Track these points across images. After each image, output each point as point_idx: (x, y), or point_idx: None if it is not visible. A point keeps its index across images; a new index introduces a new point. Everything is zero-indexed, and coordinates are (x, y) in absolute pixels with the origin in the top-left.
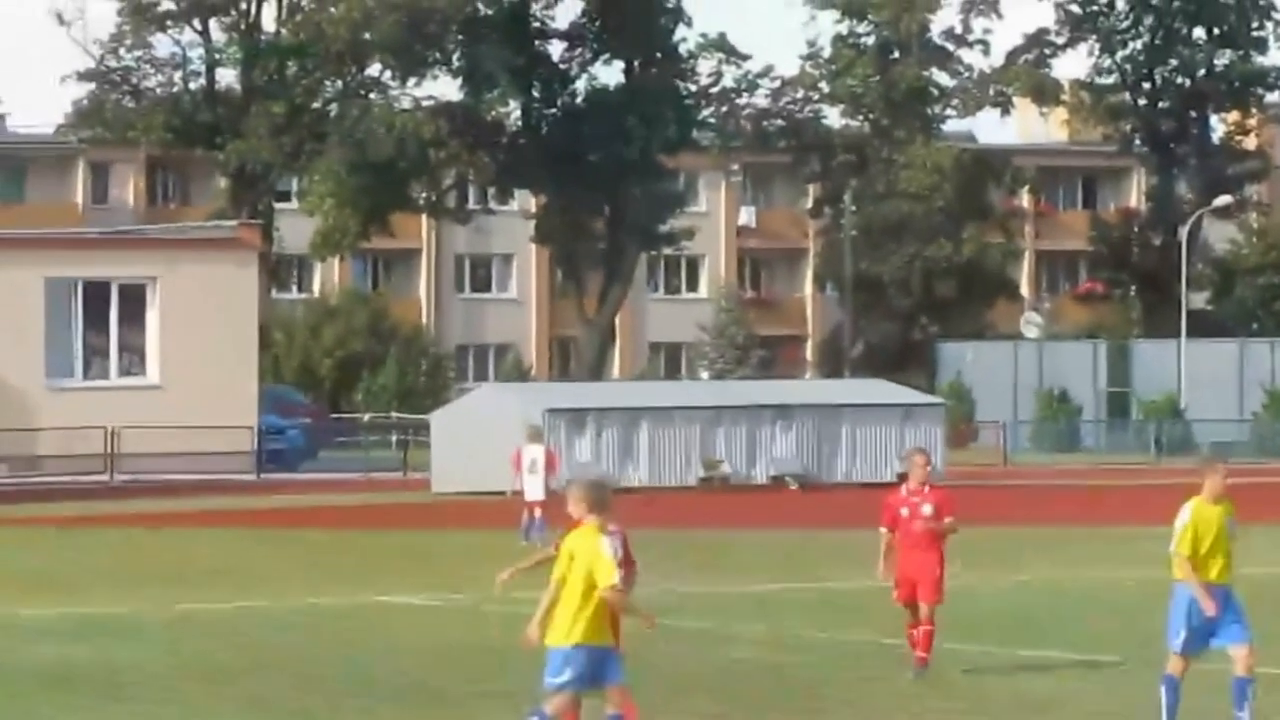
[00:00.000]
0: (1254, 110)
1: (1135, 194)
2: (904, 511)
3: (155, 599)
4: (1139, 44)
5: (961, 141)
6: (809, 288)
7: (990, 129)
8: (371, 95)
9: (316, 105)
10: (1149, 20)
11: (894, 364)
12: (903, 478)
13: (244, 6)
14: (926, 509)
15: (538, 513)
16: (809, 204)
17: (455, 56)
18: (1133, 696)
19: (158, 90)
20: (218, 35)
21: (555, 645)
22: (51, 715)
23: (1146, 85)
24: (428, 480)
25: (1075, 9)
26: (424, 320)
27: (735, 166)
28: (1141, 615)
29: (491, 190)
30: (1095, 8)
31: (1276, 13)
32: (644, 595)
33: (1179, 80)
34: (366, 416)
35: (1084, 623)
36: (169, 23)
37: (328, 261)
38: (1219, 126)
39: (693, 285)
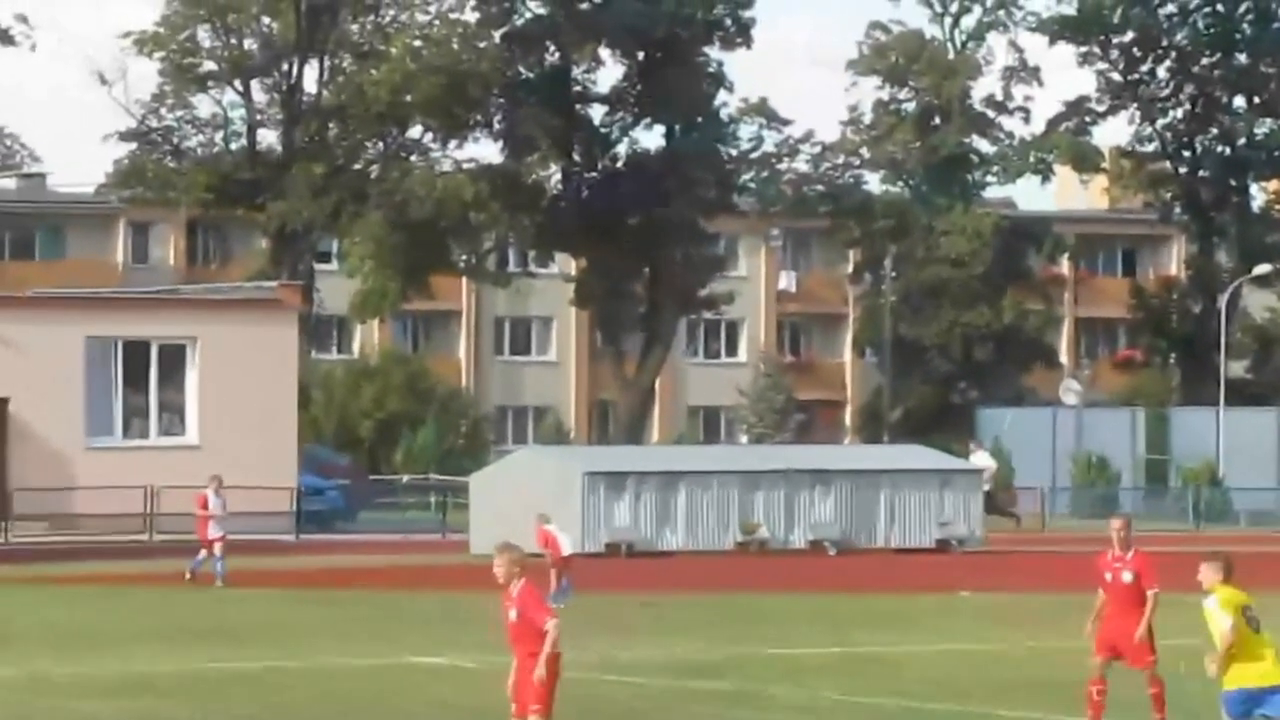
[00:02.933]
0: None
1: (1175, 261)
2: (1108, 576)
3: (192, 658)
4: (1179, 112)
5: (1001, 208)
6: (848, 352)
7: (1030, 196)
8: (412, 157)
9: (357, 166)
10: (1189, 89)
11: (933, 429)
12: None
13: (285, 68)
14: (1126, 576)
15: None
16: (849, 269)
17: (496, 119)
18: None
19: (199, 150)
20: (259, 96)
21: None
22: None
23: (1187, 153)
24: (466, 542)
25: (1116, 77)
26: (463, 382)
27: (775, 231)
28: (1173, 681)
29: (531, 253)
30: (1136, 76)
31: None
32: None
33: (1219, 148)
34: (405, 478)
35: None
36: (210, 83)
37: (368, 323)
38: (1259, 195)
39: (732, 349)
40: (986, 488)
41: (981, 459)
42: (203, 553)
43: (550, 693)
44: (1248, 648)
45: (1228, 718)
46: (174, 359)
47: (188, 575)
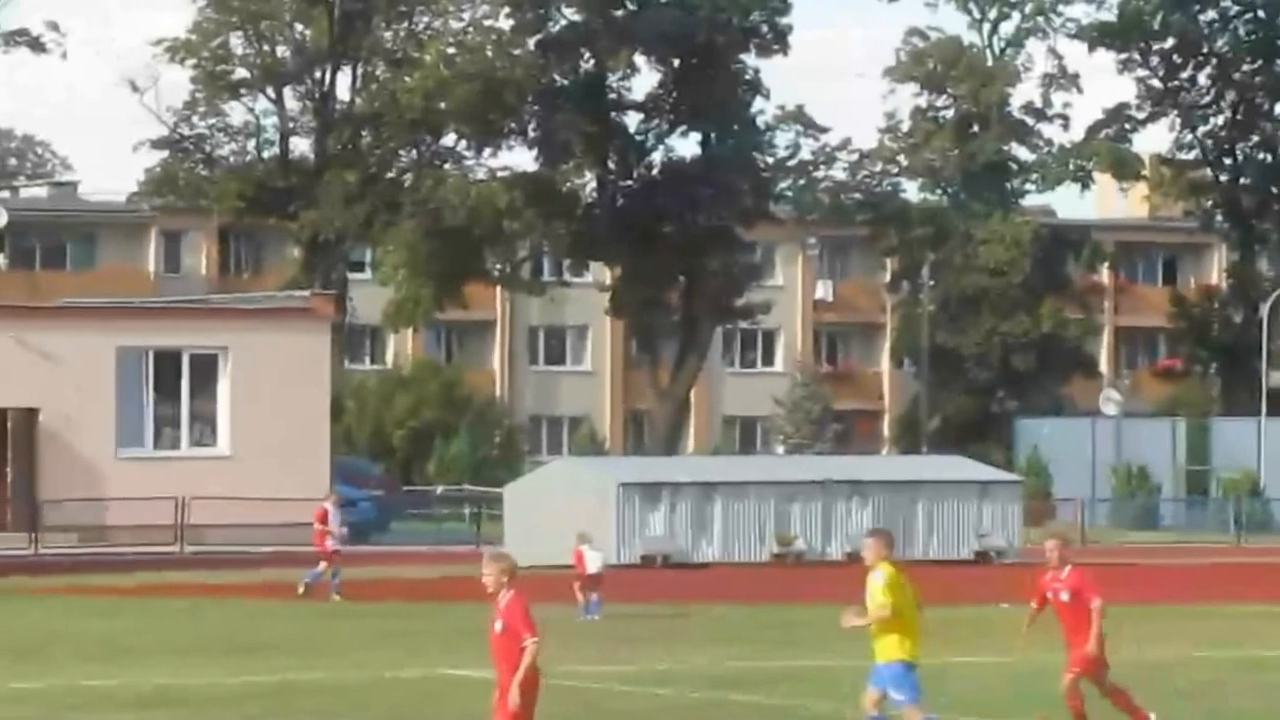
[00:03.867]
0: None
1: (1216, 270)
2: (1050, 595)
3: (224, 670)
4: (1220, 119)
5: (1041, 216)
6: (886, 362)
7: (1070, 204)
8: (446, 165)
9: (391, 174)
10: (1230, 96)
11: (971, 439)
12: (981, 555)
13: (318, 75)
14: (1064, 595)
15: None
16: (886, 277)
17: (531, 126)
18: None
19: (231, 158)
20: (292, 104)
21: None
22: None
23: (1227, 160)
24: None
25: (1156, 84)
26: (497, 392)
27: (812, 239)
28: (1212, 694)
29: (566, 261)
30: (1176, 82)
31: None
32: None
33: (1260, 155)
34: (439, 489)
35: (1157, 703)
36: (243, 90)
37: (401, 332)
38: None
39: (768, 359)
40: None
41: None
42: (322, 565)
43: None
44: (909, 623)
45: (896, 691)
46: (206, 369)
47: (301, 589)
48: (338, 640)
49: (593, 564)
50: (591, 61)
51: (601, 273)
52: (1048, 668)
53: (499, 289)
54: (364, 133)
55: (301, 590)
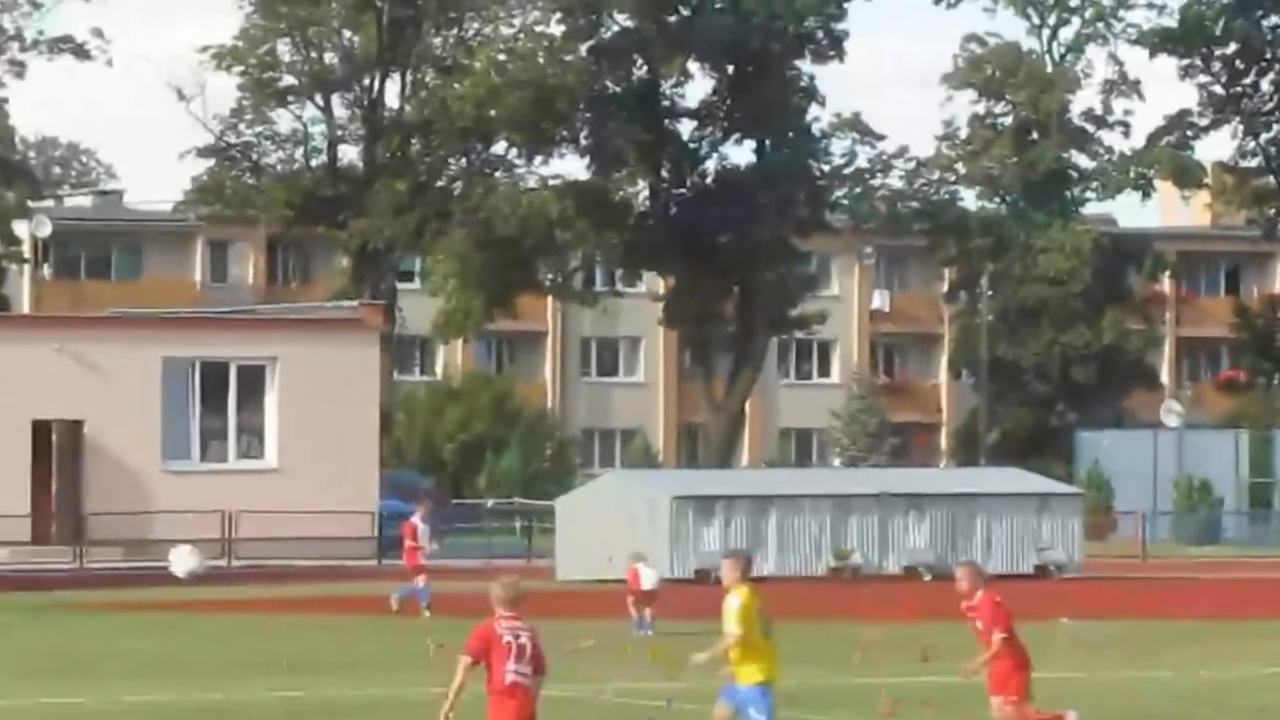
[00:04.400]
0: None
1: (1279, 280)
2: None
3: (271, 687)
4: None
5: (1101, 225)
6: (943, 374)
7: (1131, 212)
8: (497, 173)
9: (440, 183)
10: None
11: (1030, 452)
12: (1041, 570)
13: (367, 82)
14: (979, 624)
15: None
16: (944, 288)
17: (583, 134)
18: None
19: (278, 166)
20: (340, 111)
21: None
22: None
23: None
24: (552, 568)
25: (1218, 90)
26: (549, 404)
27: (869, 249)
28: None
29: (619, 271)
30: (1239, 89)
31: None
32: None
33: None
34: (489, 502)
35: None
36: (290, 98)
37: (451, 343)
38: None
39: (824, 370)
40: None
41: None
42: (419, 580)
43: None
44: (760, 647)
45: (755, 712)
46: (253, 380)
47: (394, 605)
48: (387, 656)
49: (647, 580)
50: (644, 68)
51: (655, 283)
52: (1106, 684)
53: (550, 299)
54: (413, 140)
55: (395, 607)
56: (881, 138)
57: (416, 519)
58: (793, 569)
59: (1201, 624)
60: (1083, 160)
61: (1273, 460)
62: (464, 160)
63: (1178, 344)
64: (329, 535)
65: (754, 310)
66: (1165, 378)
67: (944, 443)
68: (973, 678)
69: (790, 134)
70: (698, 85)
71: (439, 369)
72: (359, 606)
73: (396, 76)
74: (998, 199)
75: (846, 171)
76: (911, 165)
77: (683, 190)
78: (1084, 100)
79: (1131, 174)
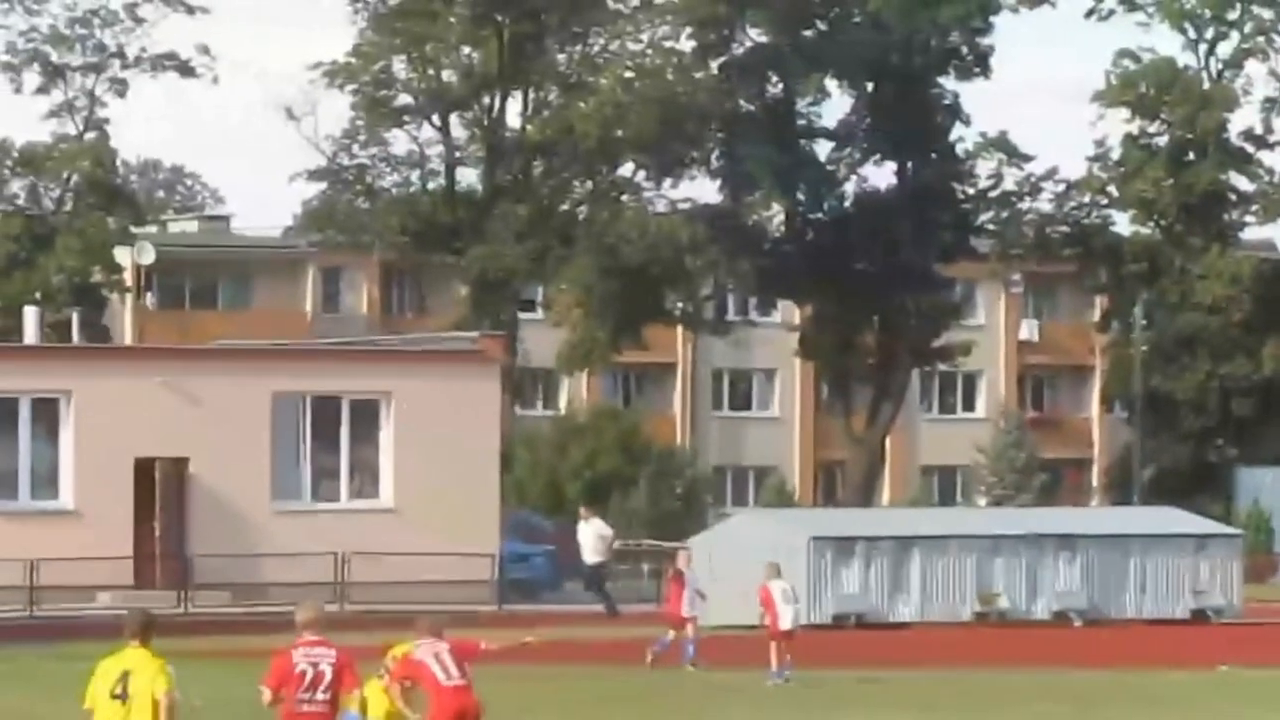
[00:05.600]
0: None
1: None
2: None
3: None
4: None
5: (1262, 250)
6: (1095, 407)
7: None
8: (623, 197)
9: (564, 207)
10: None
11: (1187, 490)
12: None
13: (487, 101)
14: None
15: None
16: (1096, 317)
17: (714, 156)
18: None
19: (393, 190)
20: (458, 132)
21: None
22: None
23: None
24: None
25: None
26: (679, 440)
27: (1016, 276)
28: None
29: (752, 300)
30: None
31: None
32: None
33: None
34: (616, 543)
35: None
36: (406, 118)
37: (575, 376)
38: None
39: (969, 404)
40: (597, 559)
41: (596, 527)
42: (670, 633)
43: None
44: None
45: None
46: (367, 415)
47: (649, 658)
48: (503, 705)
49: (785, 618)
50: (779, 86)
51: (790, 312)
52: None
53: (680, 329)
54: (536, 163)
55: (649, 660)
56: (1030, 158)
57: (681, 564)
58: (936, 614)
59: None
60: (1242, 182)
61: None
62: (589, 183)
63: None
64: (447, 579)
65: (895, 341)
66: None
67: (1095, 480)
68: None
69: (933, 155)
70: (835, 104)
71: (563, 403)
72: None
73: (518, 95)
74: (1152, 223)
75: (993, 194)
76: (1061, 187)
77: (820, 214)
78: (1243, 119)
79: None
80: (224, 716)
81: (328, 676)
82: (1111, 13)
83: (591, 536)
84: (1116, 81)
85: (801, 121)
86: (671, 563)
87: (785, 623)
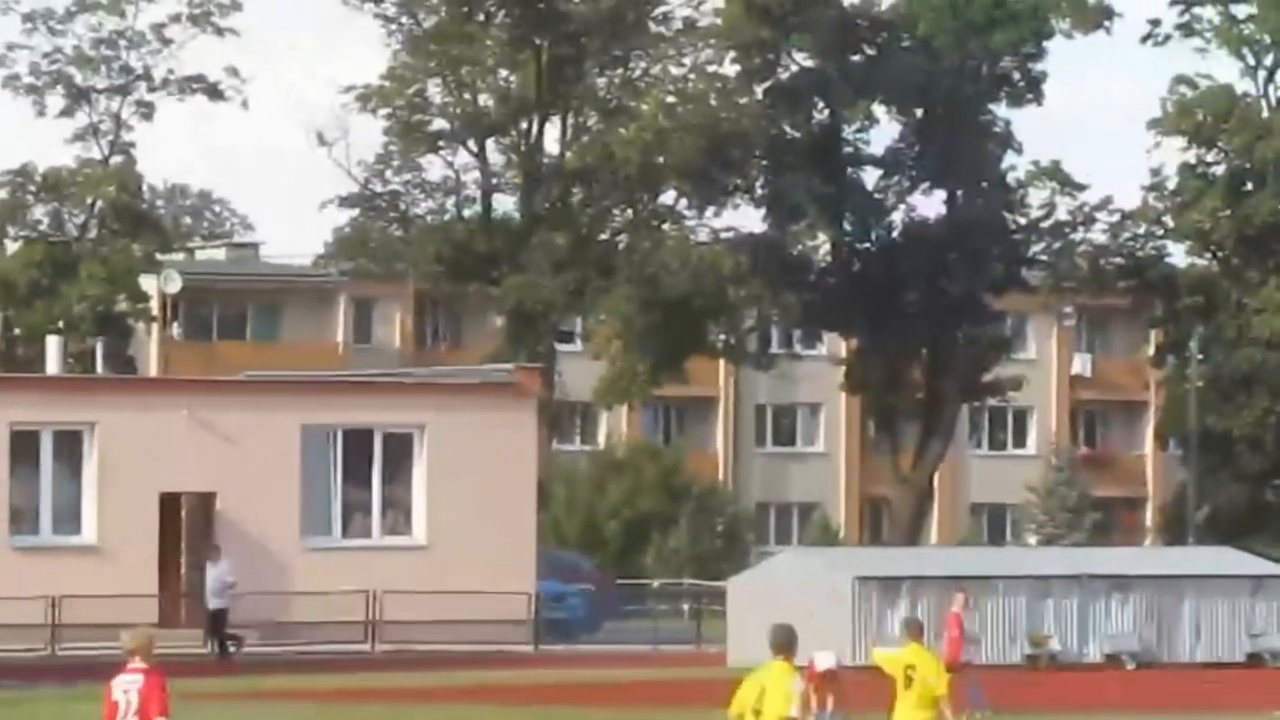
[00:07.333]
0: None
1: None
2: None
3: None
4: None
5: None
6: (1149, 445)
7: None
8: (665, 226)
9: (604, 236)
10: None
11: (1244, 530)
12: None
13: (524, 126)
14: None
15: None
16: (1150, 352)
17: (758, 184)
18: None
19: (428, 218)
20: (495, 158)
21: None
22: None
23: None
24: (724, 654)
25: None
26: (721, 476)
27: (1069, 309)
28: None
29: (797, 333)
30: None
31: None
32: None
33: None
34: (656, 583)
35: None
36: (441, 143)
37: (615, 410)
38: None
39: (1020, 440)
40: (220, 604)
41: (221, 570)
42: (978, 682)
43: None
44: None
45: None
46: (400, 450)
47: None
48: None
49: (822, 661)
50: (825, 112)
51: (836, 345)
52: None
53: (723, 363)
54: (574, 190)
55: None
56: (1083, 188)
57: (957, 607)
58: (985, 656)
59: None
60: None
61: None
62: (629, 211)
63: None
64: (481, 618)
65: (944, 375)
66: None
67: (1149, 519)
68: None
69: (984, 183)
70: (883, 130)
71: (601, 438)
72: (514, 696)
73: (556, 120)
74: (1209, 255)
75: (1045, 224)
76: (1116, 218)
77: (867, 245)
78: None
79: None
80: None
81: (134, 704)
82: (1168, 38)
83: (214, 580)
84: (1173, 109)
85: (848, 149)
86: (706, 602)
87: (821, 663)
